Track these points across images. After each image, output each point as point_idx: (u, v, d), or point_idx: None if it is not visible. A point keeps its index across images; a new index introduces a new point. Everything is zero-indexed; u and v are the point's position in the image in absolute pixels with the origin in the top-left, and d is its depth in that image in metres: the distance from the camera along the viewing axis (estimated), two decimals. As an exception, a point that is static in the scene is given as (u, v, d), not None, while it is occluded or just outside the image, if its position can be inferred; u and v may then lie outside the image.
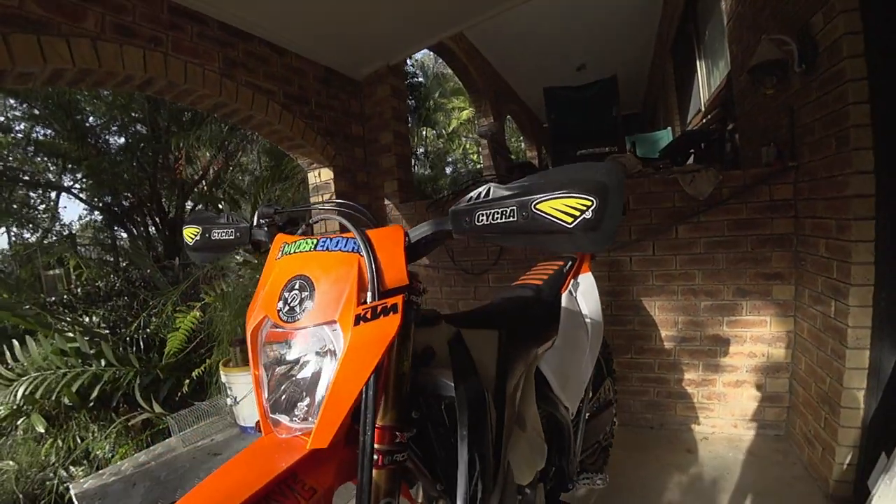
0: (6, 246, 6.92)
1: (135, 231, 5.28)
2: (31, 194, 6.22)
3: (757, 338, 2.21)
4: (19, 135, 5.33)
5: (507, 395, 0.86)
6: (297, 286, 0.65)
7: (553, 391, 1.10)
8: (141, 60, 1.84)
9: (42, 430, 2.09)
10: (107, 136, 5.24)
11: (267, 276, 0.71)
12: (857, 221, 1.56)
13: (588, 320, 1.31)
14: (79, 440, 2.14)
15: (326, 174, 2.80)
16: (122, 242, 5.69)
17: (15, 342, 2.36)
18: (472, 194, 0.62)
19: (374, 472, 0.61)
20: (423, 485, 0.77)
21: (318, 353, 0.64)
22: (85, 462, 2.23)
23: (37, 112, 5.09)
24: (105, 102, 4.57)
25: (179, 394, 2.17)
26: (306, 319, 0.63)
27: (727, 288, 2.22)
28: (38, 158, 5.66)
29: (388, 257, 0.64)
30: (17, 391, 2.22)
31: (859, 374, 1.62)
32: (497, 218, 0.57)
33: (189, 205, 5.50)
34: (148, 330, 2.58)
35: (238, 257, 2.74)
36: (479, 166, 10.16)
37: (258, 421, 0.68)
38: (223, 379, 1.81)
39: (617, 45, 5.55)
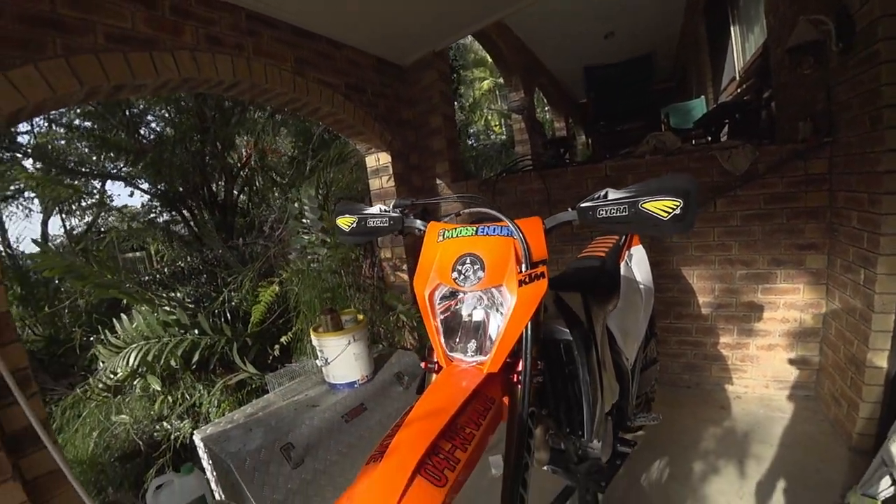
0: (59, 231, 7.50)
1: (188, 216, 5.65)
2: (95, 183, 6.65)
3: (790, 304, 2.33)
4: (75, 130, 5.69)
5: (597, 341, 1.10)
6: (467, 261, 0.89)
7: (617, 343, 1.34)
8: (230, 66, 2.05)
9: (158, 388, 2.47)
10: (160, 128, 5.57)
11: (432, 254, 0.96)
12: (887, 196, 1.66)
13: (641, 286, 1.52)
14: (187, 397, 2.52)
15: (385, 157, 2.99)
16: (175, 227, 6.08)
17: (123, 315, 2.75)
18: (594, 195, 0.85)
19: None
20: None
21: (485, 308, 0.88)
22: (186, 416, 2.62)
23: (91, 108, 5.42)
24: (156, 98, 4.86)
25: (271, 357, 2.50)
26: (480, 284, 0.87)
27: (762, 258, 2.34)
28: (86, 150, 6.04)
29: (533, 239, 0.88)
30: (129, 356, 2.60)
31: (884, 336, 1.76)
32: (613, 213, 0.81)
33: (236, 191, 5.83)
34: (232, 303, 2.93)
35: (304, 237, 3.01)
36: (502, 138, 10.13)
37: (424, 361, 0.96)
38: (314, 342, 2.03)
39: (645, 10, 5.38)
